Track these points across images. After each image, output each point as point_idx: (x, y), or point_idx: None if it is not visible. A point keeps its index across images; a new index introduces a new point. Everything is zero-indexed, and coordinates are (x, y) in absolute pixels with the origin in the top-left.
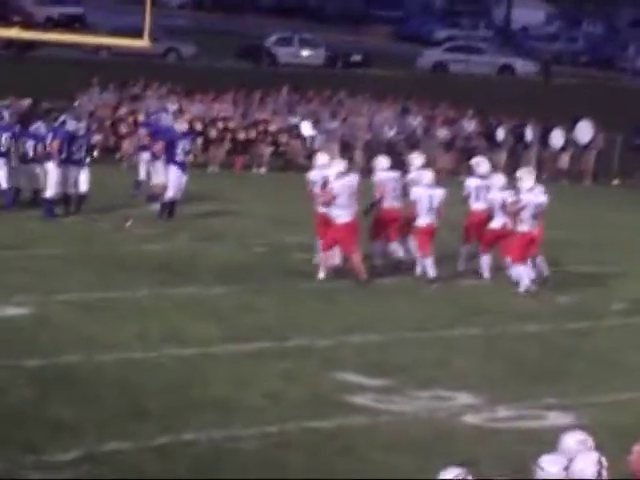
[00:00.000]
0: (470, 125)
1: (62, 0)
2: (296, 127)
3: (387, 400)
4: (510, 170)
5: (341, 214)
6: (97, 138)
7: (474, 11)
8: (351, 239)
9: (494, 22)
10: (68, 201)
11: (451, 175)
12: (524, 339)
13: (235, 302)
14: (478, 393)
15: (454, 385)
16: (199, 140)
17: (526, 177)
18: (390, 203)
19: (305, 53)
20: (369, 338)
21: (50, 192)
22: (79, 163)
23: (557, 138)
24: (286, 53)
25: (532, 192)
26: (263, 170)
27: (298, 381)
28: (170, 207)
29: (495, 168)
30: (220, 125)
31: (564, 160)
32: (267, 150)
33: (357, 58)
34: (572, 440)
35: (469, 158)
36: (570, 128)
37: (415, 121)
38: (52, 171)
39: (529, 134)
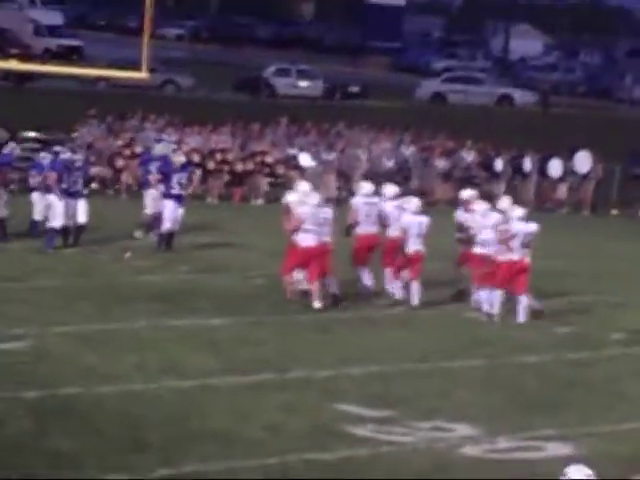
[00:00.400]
0: (469, 155)
1: (60, 32)
2: (294, 158)
3: (387, 431)
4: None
5: (305, 238)
6: (95, 170)
7: (472, 42)
8: (313, 264)
9: (492, 53)
10: (67, 233)
11: (449, 205)
12: (524, 370)
13: (234, 334)
14: (478, 424)
15: (454, 416)
16: (197, 172)
17: (515, 206)
18: (365, 228)
19: (303, 84)
20: (369, 369)
21: (55, 223)
22: (77, 195)
23: (555, 168)
24: (284, 84)
25: (522, 221)
26: (261, 201)
27: (298, 413)
28: (168, 239)
29: (493, 198)
30: (218, 157)
31: (562, 190)
32: (265, 181)
33: (355, 89)
34: (578, 474)
35: (468, 188)
36: (568, 158)
37: (407, 151)
38: (55, 202)
39: (527, 164)
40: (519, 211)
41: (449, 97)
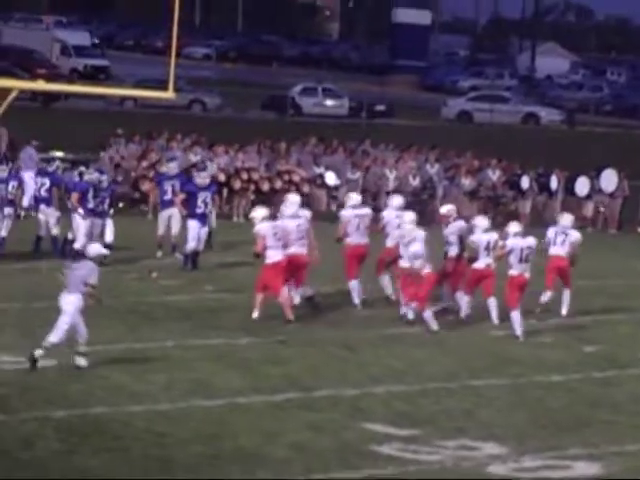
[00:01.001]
0: (495, 174)
1: (87, 52)
2: (320, 177)
3: (414, 450)
4: (535, 219)
5: (270, 255)
6: (122, 189)
7: (498, 60)
8: (277, 279)
9: (518, 71)
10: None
11: None
12: (550, 389)
13: (261, 353)
14: (504, 443)
15: (480, 435)
16: (224, 191)
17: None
18: (354, 239)
19: (329, 103)
20: (395, 388)
21: (78, 243)
22: (103, 214)
23: (582, 186)
24: (310, 103)
25: (518, 236)
26: None
27: (324, 432)
28: (193, 258)
29: (520, 217)
30: (244, 176)
31: (589, 208)
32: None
33: (381, 108)
34: None
35: (494, 207)
36: (595, 176)
37: (432, 169)
38: (80, 223)
39: (554, 183)
40: (515, 227)
41: (475, 116)
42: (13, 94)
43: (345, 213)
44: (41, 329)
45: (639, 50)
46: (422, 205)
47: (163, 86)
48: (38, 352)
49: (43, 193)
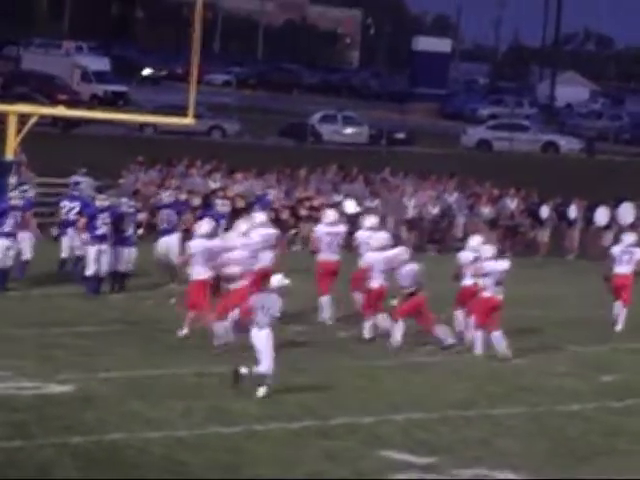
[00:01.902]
0: (514, 203)
1: (107, 78)
2: (339, 205)
3: (431, 478)
4: (554, 247)
5: (196, 272)
6: (142, 216)
7: (518, 88)
8: (202, 297)
9: (538, 100)
10: (116, 278)
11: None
12: (567, 418)
13: (278, 380)
14: (521, 472)
15: (498, 464)
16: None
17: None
18: (324, 256)
19: (349, 131)
20: (413, 416)
21: (88, 271)
22: (128, 241)
23: (602, 216)
24: (330, 131)
25: (492, 260)
26: (299, 247)
27: (342, 460)
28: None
29: (539, 246)
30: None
31: (608, 238)
32: (308, 227)
33: (401, 136)
34: None
35: (513, 236)
36: (614, 207)
37: (451, 198)
38: (87, 250)
39: (573, 212)
40: (489, 250)
41: (494, 144)
42: (33, 120)
43: (318, 229)
44: (58, 355)
45: None
46: (441, 233)
47: (183, 112)
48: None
49: (71, 217)
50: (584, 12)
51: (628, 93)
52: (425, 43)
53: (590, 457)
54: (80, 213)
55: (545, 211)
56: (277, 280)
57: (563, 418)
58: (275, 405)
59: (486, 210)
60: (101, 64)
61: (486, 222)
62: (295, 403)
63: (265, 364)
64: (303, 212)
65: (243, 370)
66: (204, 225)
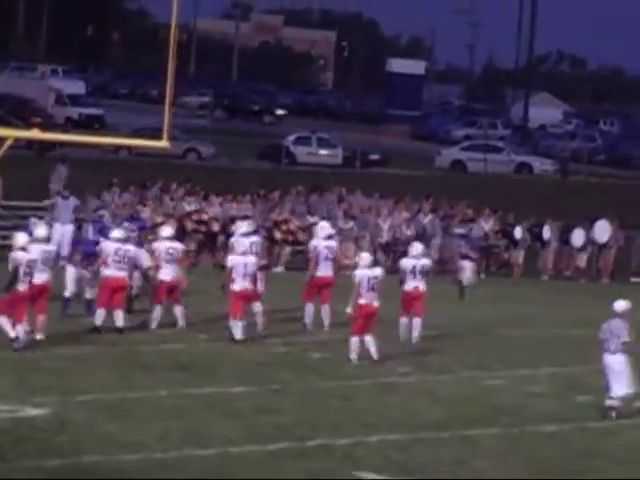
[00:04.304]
0: (488, 224)
1: (82, 101)
2: (314, 226)
3: None
4: (528, 268)
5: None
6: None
7: (492, 110)
8: (21, 306)
9: (512, 121)
10: (89, 302)
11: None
12: (544, 439)
13: (254, 402)
14: None
15: None
16: (218, 240)
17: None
18: (325, 271)
19: (323, 152)
20: (389, 437)
21: (66, 292)
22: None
23: (578, 237)
24: (304, 152)
25: (365, 267)
26: (281, 269)
27: None
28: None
29: (513, 267)
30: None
31: (582, 259)
32: (287, 249)
33: (375, 157)
34: None
35: (487, 257)
36: (588, 227)
37: (425, 219)
38: (68, 270)
39: (546, 233)
40: (366, 257)
41: (468, 165)
42: (8, 142)
43: (316, 244)
44: (34, 378)
45: (632, 100)
46: None
47: (158, 135)
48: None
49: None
50: (557, 33)
51: (601, 114)
52: (399, 65)
53: (566, 478)
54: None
55: (519, 232)
56: (621, 305)
57: (539, 439)
58: (252, 427)
59: (460, 231)
60: (76, 87)
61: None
62: (272, 424)
63: (622, 387)
64: (278, 235)
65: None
66: (22, 237)
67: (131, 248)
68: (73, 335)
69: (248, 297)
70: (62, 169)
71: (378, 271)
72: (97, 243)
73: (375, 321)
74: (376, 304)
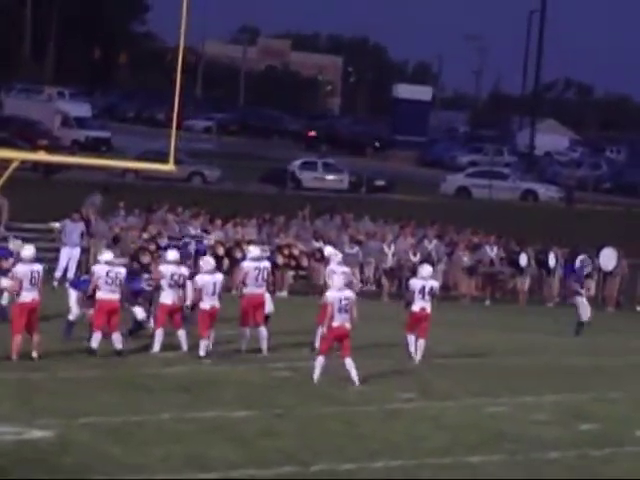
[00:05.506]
0: (493, 250)
1: (88, 124)
2: (319, 251)
3: None
4: (534, 296)
5: (23, 295)
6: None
7: (498, 136)
8: (20, 320)
9: (517, 148)
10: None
11: (475, 301)
12: (546, 466)
13: (257, 426)
14: None
15: None
16: (223, 263)
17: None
18: (251, 289)
19: (329, 177)
20: (392, 463)
21: (70, 315)
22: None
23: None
24: (310, 177)
25: (337, 289)
26: (285, 293)
27: None
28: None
29: (518, 294)
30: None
31: (590, 286)
32: (289, 274)
33: (381, 183)
34: None
35: (493, 284)
36: (594, 255)
37: (430, 245)
38: (72, 294)
39: (552, 260)
40: (337, 280)
41: (474, 192)
42: (14, 165)
43: (245, 264)
44: (37, 400)
45: (638, 127)
46: None
47: (164, 159)
48: None
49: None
50: (564, 60)
51: (607, 142)
52: (406, 91)
53: None
54: None
55: (524, 259)
56: None
57: (542, 466)
58: (254, 451)
59: (465, 257)
60: (82, 110)
61: (465, 269)
62: (274, 449)
63: None
64: (280, 259)
65: None
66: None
67: (122, 270)
68: (76, 357)
69: (215, 316)
70: (97, 199)
71: (349, 293)
72: None
73: (350, 344)
74: (348, 326)
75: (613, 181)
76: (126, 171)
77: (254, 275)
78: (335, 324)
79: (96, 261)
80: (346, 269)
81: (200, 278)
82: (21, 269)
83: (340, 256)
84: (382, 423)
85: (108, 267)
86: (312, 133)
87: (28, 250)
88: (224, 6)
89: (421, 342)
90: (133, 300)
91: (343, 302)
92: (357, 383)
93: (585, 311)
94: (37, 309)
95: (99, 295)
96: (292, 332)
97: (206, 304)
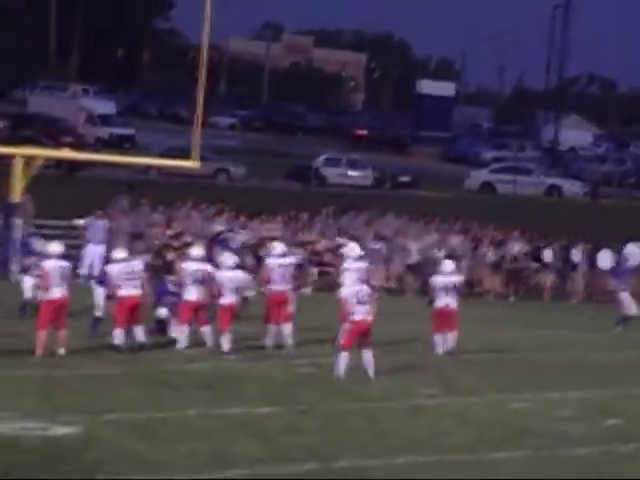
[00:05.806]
0: (517, 246)
1: (112, 121)
2: (342, 247)
3: None
4: (559, 292)
5: (51, 292)
6: (146, 258)
7: (522, 132)
8: (45, 316)
9: (542, 143)
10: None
11: (499, 297)
12: (571, 462)
13: (281, 422)
14: None
15: None
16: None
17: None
18: (277, 287)
19: (353, 174)
20: (416, 459)
21: (97, 312)
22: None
23: (604, 259)
24: (334, 174)
25: (350, 285)
26: (309, 290)
27: None
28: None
29: (543, 290)
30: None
31: (613, 282)
32: (314, 270)
33: (405, 179)
34: None
35: (517, 279)
36: (619, 250)
37: (455, 241)
38: (98, 291)
39: (576, 255)
40: (350, 277)
41: (498, 187)
42: (39, 162)
43: (270, 261)
44: (61, 396)
45: None
46: None
47: (187, 155)
48: None
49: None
50: (588, 55)
51: (632, 137)
52: (429, 86)
53: None
54: None
55: (549, 255)
56: None
57: (567, 462)
58: (278, 448)
59: (489, 253)
60: (107, 107)
61: (489, 265)
62: (297, 445)
63: None
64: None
65: None
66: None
67: (138, 263)
68: (100, 354)
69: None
70: (123, 202)
71: (363, 286)
72: None
73: (370, 338)
74: (370, 319)
75: (638, 176)
76: (149, 168)
77: (279, 272)
78: (357, 318)
79: (110, 261)
80: (362, 265)
81: (220, 274)
82: (49, 265)
83: (356, 253)
84: (405, 419)
85: (122, 264)
86: (363, 132)
87: (56, 246)
88: (248, 2)
89: (451, 335)
90: (157, 301)
91: (359, 294)
92: (372, 376)
93: (631, 305)
94: (65, 305)
95: (120, 293)
96: (316, 329)
97: (226, 299)
